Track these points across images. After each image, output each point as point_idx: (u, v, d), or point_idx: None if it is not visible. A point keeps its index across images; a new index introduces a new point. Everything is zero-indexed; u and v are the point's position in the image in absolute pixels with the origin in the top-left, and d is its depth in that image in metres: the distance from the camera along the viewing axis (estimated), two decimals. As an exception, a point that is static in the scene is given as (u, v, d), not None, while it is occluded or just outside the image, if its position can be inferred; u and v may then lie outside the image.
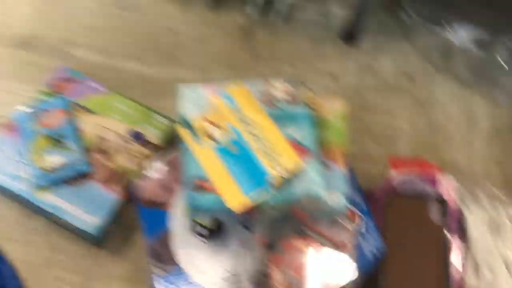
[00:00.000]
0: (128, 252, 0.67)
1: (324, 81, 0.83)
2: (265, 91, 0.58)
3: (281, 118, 0.57)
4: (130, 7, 0.86)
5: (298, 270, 0.48)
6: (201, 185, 0.53)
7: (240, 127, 0.54)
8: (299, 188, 0.53)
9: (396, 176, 0.69)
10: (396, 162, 0.70)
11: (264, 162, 0.53)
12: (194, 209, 0.53)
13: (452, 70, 0.86)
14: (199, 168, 0.54)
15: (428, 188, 0.65)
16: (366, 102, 0.82)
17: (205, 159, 0.53)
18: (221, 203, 0.53)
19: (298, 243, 0.49)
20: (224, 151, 0.54)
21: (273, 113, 0.57)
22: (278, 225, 0.52)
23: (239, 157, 0.54)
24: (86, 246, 0.67)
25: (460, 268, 0.61)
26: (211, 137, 0.54)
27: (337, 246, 0.51)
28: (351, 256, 0.49)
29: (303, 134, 0.56)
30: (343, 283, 0.48)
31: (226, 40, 0.85)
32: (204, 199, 0.53)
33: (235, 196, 0.52)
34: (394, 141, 0.79)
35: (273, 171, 0.52)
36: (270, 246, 0.50)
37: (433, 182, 0.66)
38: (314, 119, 0.56)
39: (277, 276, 0.48)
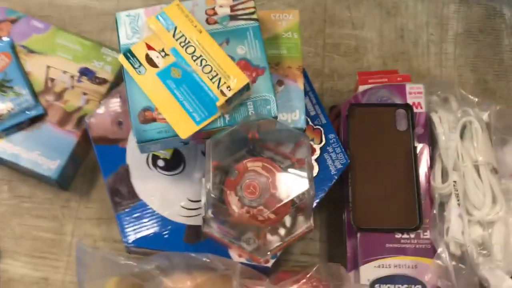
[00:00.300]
0: (95, 192, 0.66)
1: (283, -5, 0.78)
2: (206, 8, 0.54)
3: (225, 35, 0.53)
4: None
5: (253, 191, 0.46)
6: (148, 116, 0.50)
7: (181, 50, 0.51)
8: (251, 109, 0.51)
9: (363, 89, 0.66)
10: (365, 76, 0.67)
11: (210, 85, 0.50)
12: (144, 142, 0.50)
13: (419, -29, 0.80)
14: (143, 98, 0.51)
15: (394, 98, 0.62)
16: (329, 15, 0.77)
17: (149, 87, 0.51)
18: (171, 132, 0.50)
19: (252, 164, 0.47)
20: (166, 77, 0.51)
21: (216, 31, 0.53)
22: (231, 149, 0.50)
23: (184, 81, 0.51)
24: (53, 191, 0.66)
25: (427, 172, 0.59)
26: (152, 63, 0.51)
27: (294, 162, 0.49)
28: (306, 170, 0.48)
29: (252, 51, 0.53)
30: (296, 194, 0.47)
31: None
32: (153, 129, 0.50)
33: (184, 123, 0.50)
34: (362, 55, 0.75)
35: (220, 94, 0.49)
36: (225, 171, 0.48)
37: (400, 91, 0.63)
38: (260, 33, 0.53)
39: (232, 200, 0.47)
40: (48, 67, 0.67)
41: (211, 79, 0.50)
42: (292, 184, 0.47)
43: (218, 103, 0.49)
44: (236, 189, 0.47)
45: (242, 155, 0.49)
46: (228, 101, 0.49)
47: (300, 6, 0.77)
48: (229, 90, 0.49)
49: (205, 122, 0.50)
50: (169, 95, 0.50)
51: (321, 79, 0.74)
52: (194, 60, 0.50)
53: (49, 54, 0.67)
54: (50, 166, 0.62)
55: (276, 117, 0.51)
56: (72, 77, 0.66)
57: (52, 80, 0.66)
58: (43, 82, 0.66)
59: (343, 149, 0.59)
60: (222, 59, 0.50)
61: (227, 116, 0.51)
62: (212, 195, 0.47)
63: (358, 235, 0.57)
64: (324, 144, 0.59)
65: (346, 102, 0.63)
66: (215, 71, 0.50)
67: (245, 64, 0.52)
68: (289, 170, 0.49)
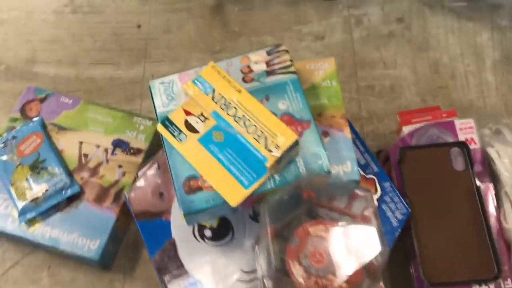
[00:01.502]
0: (139, 270, 0.63)
1: (309, 44, 0.76)
2: (241, 66, 0.52)
3: (264, 92, 0.50)
4: (87, 10, 0.80)
5: (319, 259, 0.42)
6: (193, 185, 0.47)
7: (222, 112, 0.48)
8: (301, 166, 0.48)
9: (409, 130, 0.63)
10: (406, 116, 0.64)
11: (256, 145, 0.47)
12: (191, 214, 0.47)
13: (444, 3, 0.78)
14: (186, 167, 0.48)
15: (445, 136, 0.59)
16: (360, 57, 0.75)
17: (191, 154, 0.48)
18: (219, 200, 0.47)
19: (315, 228, 0.43)
20: (209, 141, 0.48)
21: (255, 89, 0.50)
22: (286, 212, 0.46)
23: (227, 144, 0.48)
24: (95, 272, 0.62)
25: (495, 213, 0.55)
26: (192, 129, 0.48)
27: (358, 219, 0.45)
28: (375, 227, 0.43)
29: (294, 104, 0.50)
30: (371, 258, 0.42)
31: (196, 23, 0.79)
32: (200, 199, 0.47)
33: (232, 189, 0.46)
34: (399, 94, 0.72)
35: (268, 154, 0.46)
36: (283, 237, 0.45)
37: (450, 128, 0.60)
38: (300, 85, 0.50)
39: (297, 270, 0.42)
40: (81, 142, 0.65)
41: (257, 139, 0.47)
42: (362, 246, 0.43)
43: (268, 164, 0.46)
44: (299, 258, 0.43)
45: (299, 218, 0.45)
46: (278, 160, 0.46)
47: (328, 53, 0.75)
48: (278, 149, 0.46)
49: (254, 185, 0.47)
50: (213, 160, 0.47)
51: (360, 123, 0.71)
52: (237, 121, 0.48)
53: (80, 129, 0.65)
54: (90, 246, 0.59)
55: (329, 172, 0.48)
56: (105, 150, 0.64)
57: (86, 155, 0.64)
58: (76, 158, 0.64)
59: (401, 198, 0.55)
60: (266, 117, 0.48)
61: (276, 177, 0.47)
62: (273, 267, 0.42)
63: (431, 290, 0.51)
64: (380, 195, 0.55)
65: (395, 146, 0.59)
66: (260, 130, 0.47)
67: (289, 119, 0.50)
68: (355, 229, 0.45)
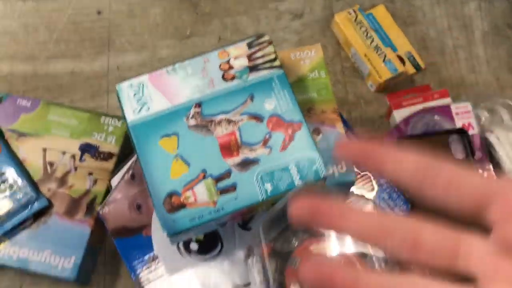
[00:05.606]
0: (119, 283, 0.58)
1: (288, 23, 0.70)
2: (219, 62, 0.46)
3: (248, 91, 0.45)
4: (40, -4, 0.72)
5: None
6: (175, 202, 0.42)
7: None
8: (295, 174, 0.43)
9: (400, 116, 0.59)
10: (397, 99, 0.60)
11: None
12: (175, 234, 0.42)
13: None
14: (166, 182, 0.43)
15: (442, 122, 0.55)
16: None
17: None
18: (206, 217, 0.42)
19: (317, 247, 0.39)
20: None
21: (237, 88, 0.45)
22: (281, 225, 0.42)
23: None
24: (72, 288, 0.58)
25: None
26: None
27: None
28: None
29: (282, 104, 0.45)
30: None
31: (162, 5, 0.72)
32: (183, 218, 0.42)
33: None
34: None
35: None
36: (279, 255, 0.40)
37: (446, 113, 0.56)
38: (287, 81, 0.45)
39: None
40: (45, 149, 0.58)
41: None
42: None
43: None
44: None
45: (297, 234, 0.41)
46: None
47: (308, 33, 0.70)
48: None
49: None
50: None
51: (347, 108, 0.66)
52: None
53: (43, 134, 0.59)
54: (65, 265, 0.54)
55: (325, 178, 0.43)
56: (73, 156, 0.58)
57: (52, 164, 0.58)
58: (41, 168, 0.58)
59: (399, 194, 0.51)
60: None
61: (268, 187, 0.43)
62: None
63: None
64: (377, 192, 0.51)
65: (389, 136, 0.55)
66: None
67: (277, 121, 0.45)
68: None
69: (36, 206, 0.55)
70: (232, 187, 0.43)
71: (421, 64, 0.66)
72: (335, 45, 0.69)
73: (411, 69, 0.66)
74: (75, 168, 0.58)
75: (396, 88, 0.66)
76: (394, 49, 0.66)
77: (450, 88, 0.66)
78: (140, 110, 0.45)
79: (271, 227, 0.41)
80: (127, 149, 0.59)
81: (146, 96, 0.46)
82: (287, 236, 0.41)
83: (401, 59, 0.66)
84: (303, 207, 0.22)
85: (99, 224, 0.55)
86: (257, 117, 0.44)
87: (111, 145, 0.59)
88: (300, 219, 0.22)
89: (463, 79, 0.68)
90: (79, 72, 0.68)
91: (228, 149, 0.44)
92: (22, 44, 0.69)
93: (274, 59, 0.46)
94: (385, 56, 0.65)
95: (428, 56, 0.69)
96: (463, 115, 0.56)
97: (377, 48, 0.66)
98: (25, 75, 0.67)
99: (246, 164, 0.43)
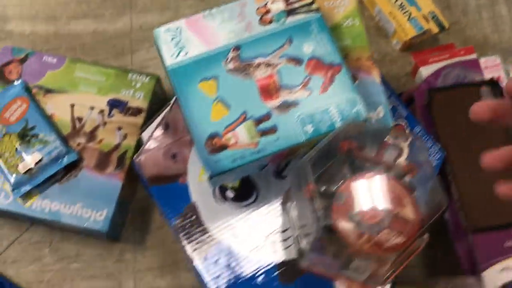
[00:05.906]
0: (149, 239, 0.58)
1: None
2: (256, 6, 0.46)
3: (286, 34, 0.45)
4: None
5: (370, 214, 0.38)
6: (217, 143, 0.42)
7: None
8: (335, 115, 0.43)
9: (428, 72, 0.59)
10: (422, 56, 0.60)
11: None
12: (218, 175, 0.42)
13: None
14: (207, 124, 0.43)
15: (472, 75, 0.55)
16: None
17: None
18: (248, 157, 0.42)
19: (359, 181, 0.39)
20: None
21: (275, 31, 0.45)
22: (324, 166, 0.42)
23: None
24: (102, 245, 0.57)
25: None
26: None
27: (406, 171, 0.41)
28: (428, 177, 0.40)
29: (321, 47, 0.45)
30: (427, 210, 0.39)
31: (185, -35, 0.71)
32: (226, 158, 0.42)
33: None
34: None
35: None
36: (324, 194, 0.40)
37: (475, 67, 0.56)
38: (325, 25, 0.45)
39: (347, 228, 0.39)
40: (72, 105, 0.58)
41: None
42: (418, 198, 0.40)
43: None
44: (348, 215, 0.39)
45: (341, 173, 0.41)
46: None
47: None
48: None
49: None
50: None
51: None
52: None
53: (70, 91, 0.59)
54: (96, 218, 0.54)
55: (366, 120, 0.43)
56: (101, 112, 0.58)
57: (80, 119, 0.58)
58: (69, 123, 0.57)
59: (434, 142, 0.51)
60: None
61: (309, 128, 0.43)
62: (321, 226, 0.38)
63: (471, 236, 0.49)
64: (412, 140, 0.51)
65: (419, 88, 0.55)
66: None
67: (316, 63, 0.45)
68: (404, 180, 0.41)
69: (66, 160, 0.55)
70: (273, 129, 0.43)
71: (445, 23, 0.66)
72: (359, 5, 0.69)
73: (435, 29, 0.66)
74: (104, 123, 0.57)
75: (420, 47, 0.66)
76: (418, 8, 0.66)
77: (474, 47, 0.66)
78: (178, 55, 0.45)
79: (313, 168, 0.41)
80: (155, 105, 0.58)
81: (183, 41, 0.45)
82: (330, 175, 0.41)
83: (425, 19, 0.66)
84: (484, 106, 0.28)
85: (130, 177, 0.55)
86: (296, 60, 0.44)
87: (139, 100, 0.58)
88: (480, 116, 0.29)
89: (486, 38, 0.68)
90: (101, 32, 0.67)
91: (267, 91, 0.44)
92: (44, 4, 0.68)
93: (311, 3, 0.46)
94: (410, 14, 0.65)
95: (451, 16, 0.69)
96: (492, 68, 0.56)
97: (401, 6, 0.66)
98: (47, 34, 0.67)
99: (285, 106, 0.43)
